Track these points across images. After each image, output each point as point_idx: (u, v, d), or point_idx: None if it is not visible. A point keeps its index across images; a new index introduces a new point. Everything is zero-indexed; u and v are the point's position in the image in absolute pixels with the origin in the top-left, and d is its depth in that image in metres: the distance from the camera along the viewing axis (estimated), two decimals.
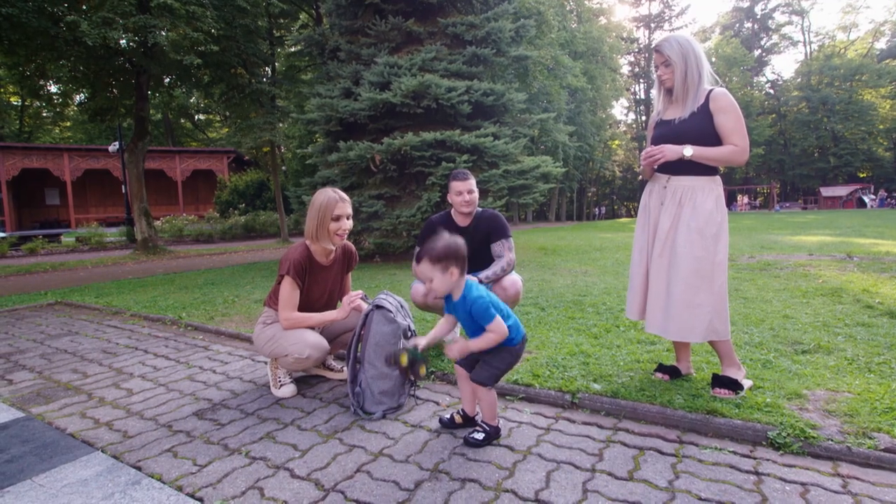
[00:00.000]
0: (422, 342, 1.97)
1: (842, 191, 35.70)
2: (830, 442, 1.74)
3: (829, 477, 1.60)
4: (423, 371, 1.99)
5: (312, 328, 2.48)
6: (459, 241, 1.88)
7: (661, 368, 2.40)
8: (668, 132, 2.19)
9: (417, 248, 1.97)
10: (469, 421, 2.03)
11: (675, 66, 2.13)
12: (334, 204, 2.38)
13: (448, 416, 2.08)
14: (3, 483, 1.74)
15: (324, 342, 2.43)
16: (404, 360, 1.93)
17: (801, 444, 1.76)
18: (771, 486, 1.57)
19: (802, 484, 1.57)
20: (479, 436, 1.89)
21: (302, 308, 2.45)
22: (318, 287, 2.51)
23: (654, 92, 2.35)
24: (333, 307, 2.63)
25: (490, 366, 1.90)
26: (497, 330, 1.82)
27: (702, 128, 2.11)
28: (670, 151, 2.11)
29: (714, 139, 2.11)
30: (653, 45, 2.24)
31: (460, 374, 2.00)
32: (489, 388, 1.90)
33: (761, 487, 1.56)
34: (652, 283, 2.23)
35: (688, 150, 2.07)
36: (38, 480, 1.75)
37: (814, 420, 1.89)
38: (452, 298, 1.90)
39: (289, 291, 2.37)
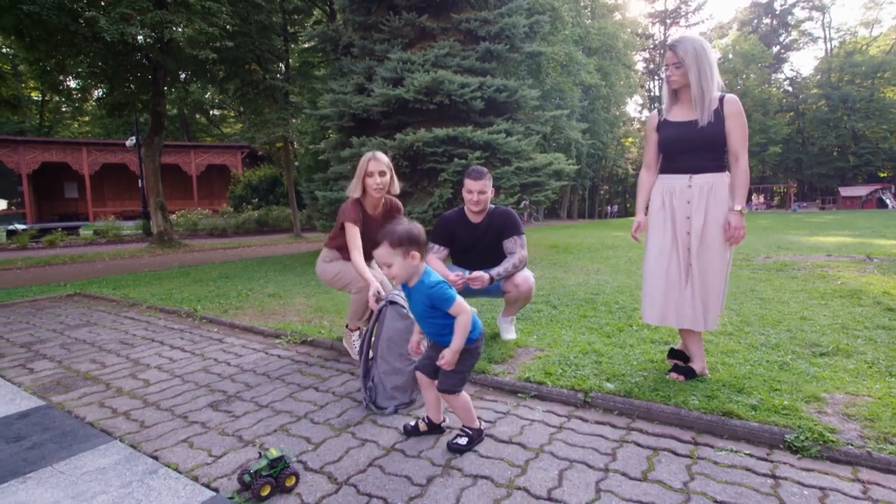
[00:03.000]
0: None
1: (861, 191, 34.91)
2: (850, 446, 1.71)
3: (848, 482, 1.58)
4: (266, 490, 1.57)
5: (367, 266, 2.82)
6: (419, 226, 1.83)
7: (677, 369, 2.37)
8: (686, 134, 2.24)
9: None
10: (434, 428, 1.96)
11: (689, 69, 2.17)
12: (366, 162, 2.77)
13: (413, 423, 1.99)
14: (26, 469, 1.78)
15: (373, 277, 2.71)
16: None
17: (820, 448, 1.73)
18: (788, 489, 1.54)
19: (821, 489, 1.54)
20: (463, 440, 1.84)
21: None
22: (366, 234, 2.79)
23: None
24: None
25: (454, 372, 1.82)
26: (463, 310, 1.77)
27: (717, 133, 2.19)
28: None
29: (727, 142, 2.22)
30: (668, 43, 2.25)
31: (423, 381, 1.94)
32: (457, 394, 1.85)
33: (778, 491, 1.54)
34: (695, 280, 2.25)
35: (740, 208, 2.18)
36: (58, 467, 1.79)
37: (833, 424, 1.86)
38: (408, 284, 1.85)
39: (353, 234, 2.75)
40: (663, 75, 2.30)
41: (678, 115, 2.28)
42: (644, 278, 2.37)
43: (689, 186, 2.25)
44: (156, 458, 1.84)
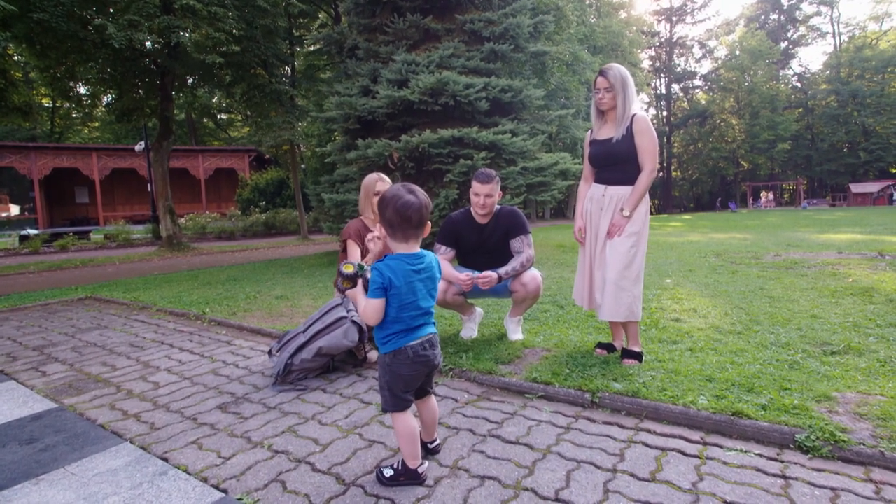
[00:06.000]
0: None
1: (872, 187, 34.45)
2: (862, 446, 1.69)
3: (860, 482, 1.56)
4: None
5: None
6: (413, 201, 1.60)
7: (600, 345, 2.77)
8: (604, 150, 2.57)
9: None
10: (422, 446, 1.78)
11: (617, 93, 2.47)
12: (374, 183, 2.97)
13: None
14: (38, 471, 1.80)
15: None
16: (350, 268, 1.62)
17: (831, 447, 1.71)
18: (799, 490, 1.53)
19: (832, 489, 1.53)
20: (387, 472, 1.64)
21: None
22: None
23: (592, 111, 2.65)
24: None
25: (381, 387, 1.65)
26: (362, 307, 1.59)
27: (629, 147, 2.49)
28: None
29: (637, 155, 2.50)
30: (600, 70, 2.54)
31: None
32: (393, 413, 1.63)
33: (789, 492, 1.52)
34: (597, 275, 2.61)
35: (626, 212, 2.48)
36: (70, 469, 1.81)
37: (844, 423, 1.84)
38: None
39: (352, 250, 2.95)
40: (593, 98, 2.58)
41: (603, 133, 2.59)
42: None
43: (602, 195, 2.58)
44: (166, 459, 1.86)
